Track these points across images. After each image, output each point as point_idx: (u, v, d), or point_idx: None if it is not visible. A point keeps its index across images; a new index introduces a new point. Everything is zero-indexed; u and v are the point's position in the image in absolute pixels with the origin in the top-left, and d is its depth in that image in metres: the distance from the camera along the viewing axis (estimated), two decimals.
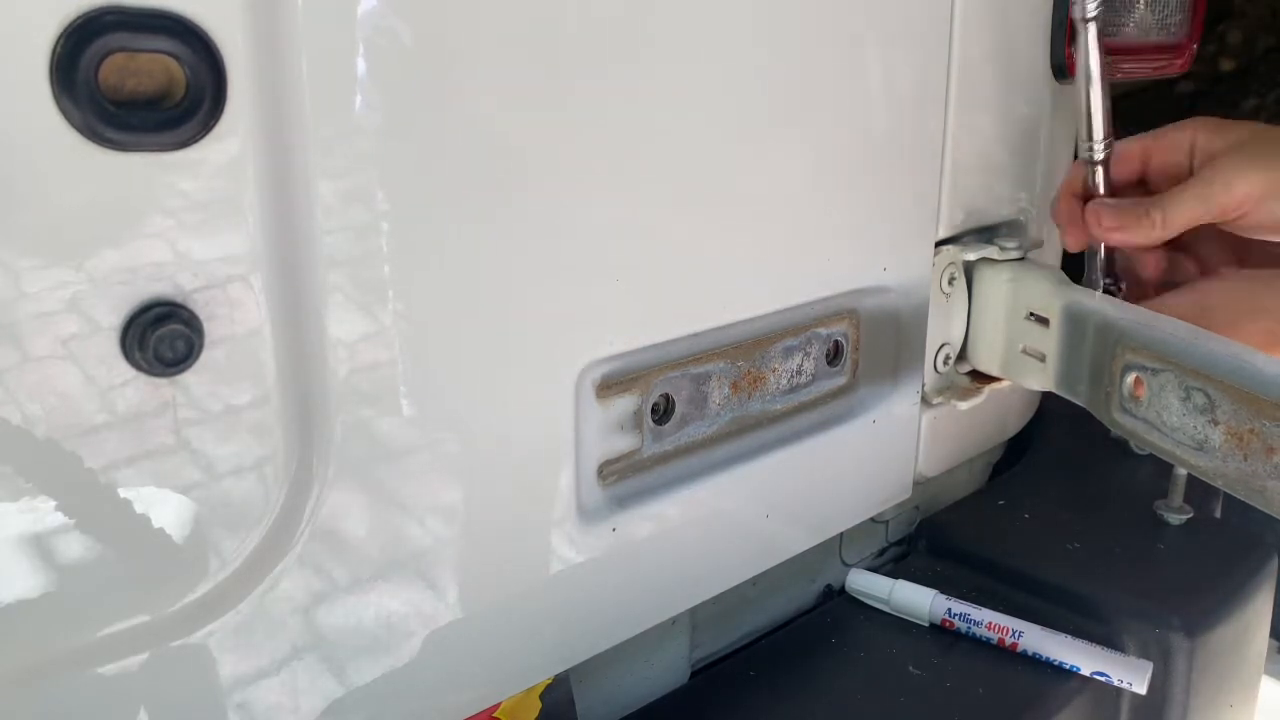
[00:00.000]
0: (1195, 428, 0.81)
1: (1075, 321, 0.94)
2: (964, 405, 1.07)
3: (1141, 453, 1.26)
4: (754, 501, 0.88)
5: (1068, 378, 0.96)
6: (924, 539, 1.16)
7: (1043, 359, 0.98)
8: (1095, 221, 0.86)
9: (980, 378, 1.09)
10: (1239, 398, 0.77)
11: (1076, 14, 0.85)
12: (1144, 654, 0.99)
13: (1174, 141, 0.85)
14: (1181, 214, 0.81)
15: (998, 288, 1.03)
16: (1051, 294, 0.96)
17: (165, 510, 0.54)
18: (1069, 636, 0.95)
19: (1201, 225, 0.83)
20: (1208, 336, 0.81)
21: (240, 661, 0.59)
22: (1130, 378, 0.87)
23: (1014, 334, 1.02)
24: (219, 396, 0.55)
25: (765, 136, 0.80)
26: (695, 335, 0.80)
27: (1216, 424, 0.80)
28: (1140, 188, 0.89)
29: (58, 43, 0.46)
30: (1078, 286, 0.96)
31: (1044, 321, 0.98)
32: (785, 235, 0.84)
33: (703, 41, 0.74)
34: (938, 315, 1.03)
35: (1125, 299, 0.90)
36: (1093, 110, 0.87)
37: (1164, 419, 0.84)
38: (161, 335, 0.51)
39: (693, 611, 0.96)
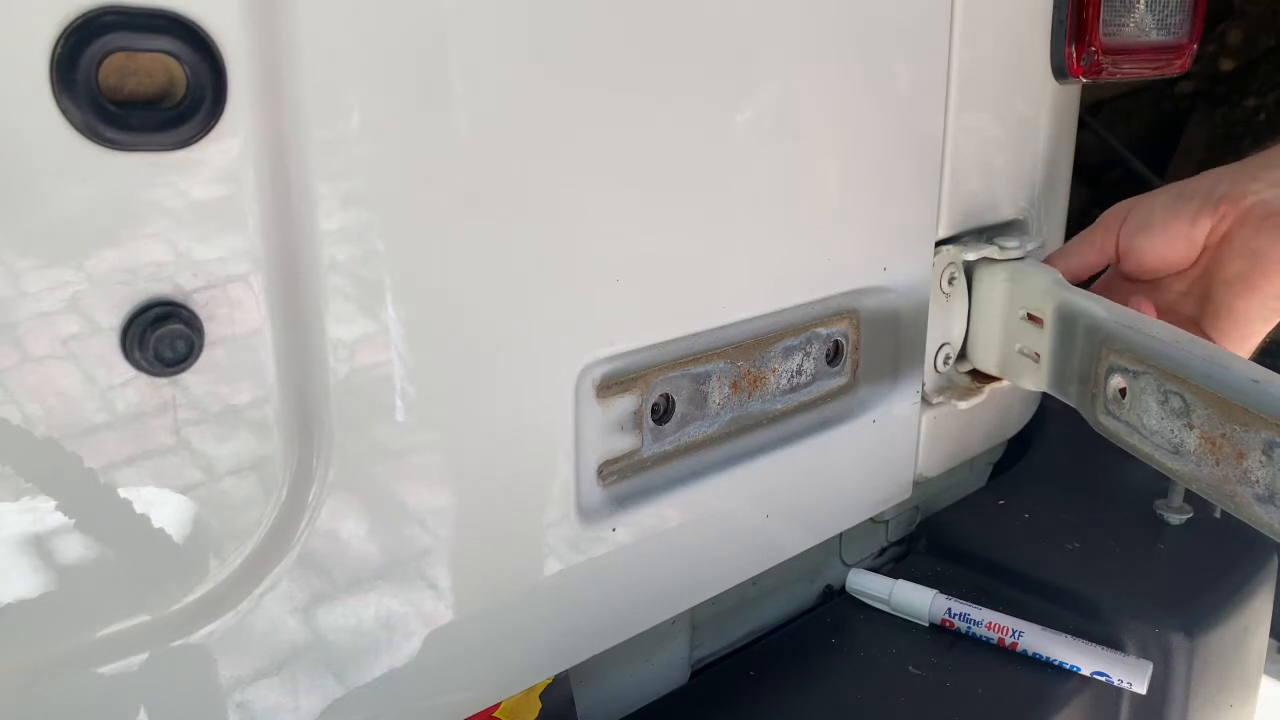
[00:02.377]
0: (1172, 431, 0.82)
1: (1067, 322, 0.94)
2: (964, 405, 1.07)
3: None
4: (754, 501, 0.88)
5: (1060, 378, 0.96)
6: (924, 539, 1.16)
7: (1037, 359, 0.99)
8: None
9: (981, 377, 1.09)
10: (1212, 402, 0.77)
11: None
12: (1144, 654, 0.99)
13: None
14: (1079, 252, 0.90)
15: (995, 287, 1.03)
16: (1045, 294, 0.97)
17: (165, 510, 0.54)
18: (1069, 636, 0.95)
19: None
20: (1188, 339, 0.81)
21: (240, 661, 0.59)
22: (1114, 380, 0.87)
23: (1011, 334, 1.02)
24: (219, 396, 0.55)
25: (766, 137, 0.80)
26: (695, 335, 0.80)
27: (1192, 428, 0.80)
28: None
29: (58, 43, 0.46)
30: (1072, 287, 0.96)
31: (1039, 321, 0.98)
32: (785, 235, 0.84)
33: (703, 43, 0.74)
34: (938, 315, 1.03)
35: None
36: None
37: (1144, 422, 0.85)
38: (161, 335, 0.51)
39: (693, 611, 0.96)
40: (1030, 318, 0.99)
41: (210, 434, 0.55)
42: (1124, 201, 0.88)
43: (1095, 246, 0.90)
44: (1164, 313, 0.91)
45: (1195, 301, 0.87)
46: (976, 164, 1.04)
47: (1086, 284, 1.02)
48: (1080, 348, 0.92)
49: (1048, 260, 1.01)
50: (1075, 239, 0.93)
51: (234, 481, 0.57)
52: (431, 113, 0.60)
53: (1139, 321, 0.85)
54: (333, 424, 0.60)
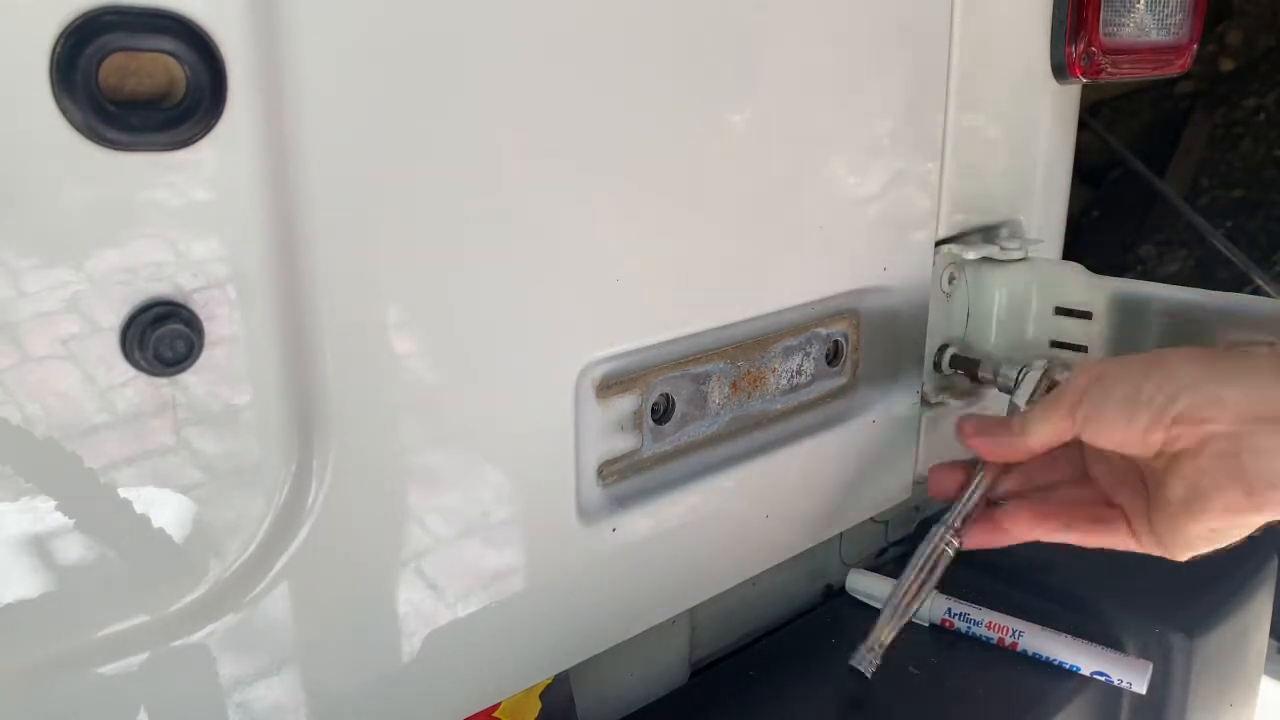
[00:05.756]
0: None
1: (1129, 310, 0.95)
2: (964, 405, 1.07)
3: None
4: (754, 501, 0.88)
5: None
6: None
7: (1084, 351, 0.99)
8: (960, 430, 0.81)
9: (980, 377, 1.09)
10: None
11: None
12: (1144, 654, 0.99)
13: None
14: (1042, 425, 0.75)
15: (1020, 286, 1.04)
16: (1091, 286, 0.98)
17: (165, 510, 0.54)
18: (1069, 636, 0.95)
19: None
20: None
21: (240, 661, 0.59)
22: None
23: (1041, 329, 1.03)
24: (219, 396, 0.55)
25: (766, 137, 0.80)
26: (695, 335, 0.80)
27: None
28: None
29: (58, 43, 0.46)
30: (1110, 277, 0.98)
31: (1079, 315, 0.99)
32: (785, 235, 0.84)
33: (703, 44, 0.74)
34: (938, 315, 1.03)
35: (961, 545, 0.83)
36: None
37: None
38: (161, 335, 0.51)
39: (693, 611, 0.96)
40: (1067, 311, 1.00)
41: (210, 434, 0.55)
42: (1085, 371, 0.74)
43: (1053, 428, 0.75)
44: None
45: (1150, 490, 0.74)
46: (976, 164, 1.04)
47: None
48: (1158, 331, 0.92)
49: (1003, 426, 0.81)
50: (1034, 413, 0.76)
51: (234, 481, 0.57)
52: (432, 112, 0.60)
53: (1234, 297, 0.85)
54: (332, 424, 0.60)
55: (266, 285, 0.56)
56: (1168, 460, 0.68)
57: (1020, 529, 0.80)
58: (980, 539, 0.82)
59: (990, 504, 0.83)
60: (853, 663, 0.85)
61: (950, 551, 0.83)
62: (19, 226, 0.48)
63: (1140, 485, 0.74)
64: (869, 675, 0.84)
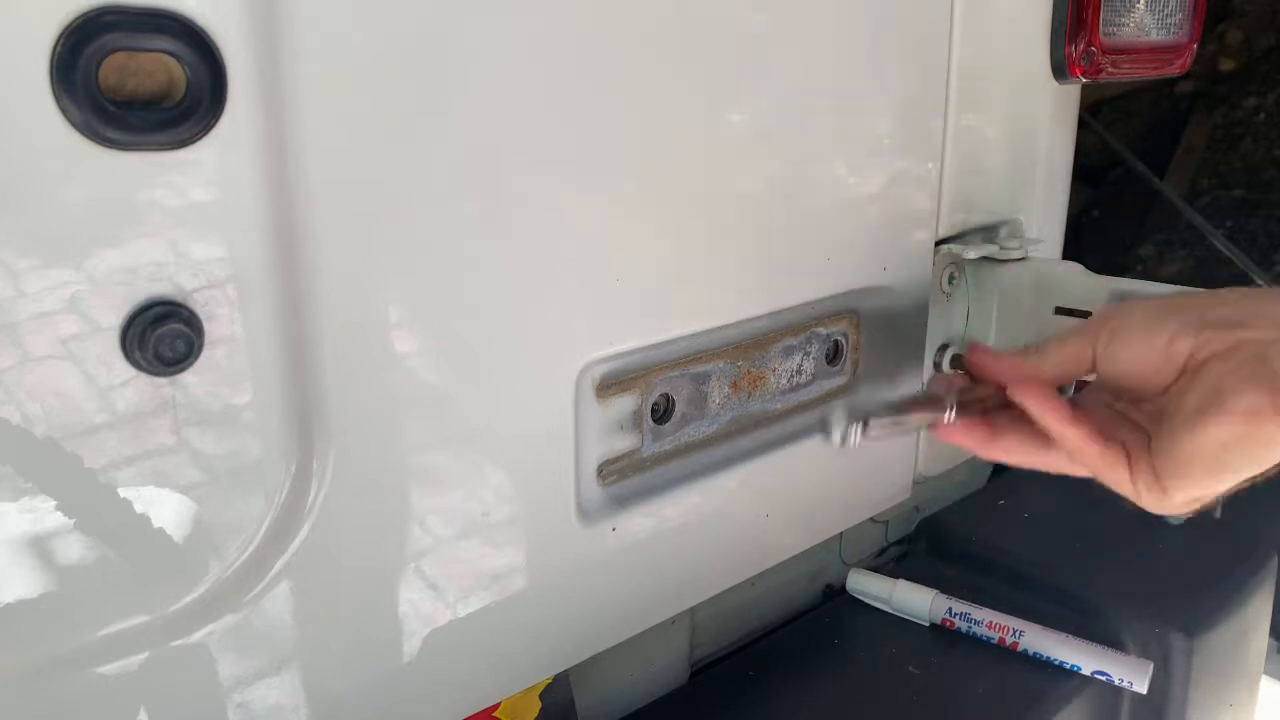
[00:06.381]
0: None
1: None
2: None
3: None
4: (754, 501, 0.88)
5: None
6: (924, 539, 1.16)
7: None
8: (970, 353, 0.75)
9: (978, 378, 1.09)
10: None
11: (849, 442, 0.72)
12: (1144, 654, 0.99)
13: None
14: (1059, 350, 0.71)
15: (1020, 285, 1.04)
16: (1090, 286, 0.98)
17: (165, 510, 0.54)
18: (1069, 636, 0.95)
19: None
20: None
21: (240, 661, 0.59)
22: None
23: (1042, 329, 1.03)
24: (219, 396, 0.55)
25: (766, 137, 0.80)
26: (695, 335, 0.80)
27: None
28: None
29: (58, 43, 0.46)
30: (1110, 277, 0.98)
31: (1079, 314, 0.99)
32: (785, 235, 0.84)
33: (704, 44, 0.74)
34: (938, 315, 1.03)
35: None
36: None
37: None
38: (161, 335, 0.51)
39: (693, 611, 0.96)
40: (1067, 311, 1.00)
41: (210, 434, 0.55)
42: (1110, 306, 0.72)
43: (1071, 352, 0.72)
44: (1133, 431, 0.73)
45: (1159, 420, 0.69)
46: (976, 164, 1.04)
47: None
48: None
49: (1019, 355, 0.78)
50: (1053, 339, 0.73)
51: (234, 481, 0.57)
52: (432, 112, 0.60)
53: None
54: (332, 424, 0.60)
55: (266, 285, 0.56)
56: (1189, 377, 0.64)
57: (1014, 445, 0.73)
58: (972, 435, 0.74)
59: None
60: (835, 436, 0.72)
61: (951, 410, 0.72)
62: (19, 226, 0.48)
63: (1144, 425, 0.70)
64: (854, 440, 0.72)
